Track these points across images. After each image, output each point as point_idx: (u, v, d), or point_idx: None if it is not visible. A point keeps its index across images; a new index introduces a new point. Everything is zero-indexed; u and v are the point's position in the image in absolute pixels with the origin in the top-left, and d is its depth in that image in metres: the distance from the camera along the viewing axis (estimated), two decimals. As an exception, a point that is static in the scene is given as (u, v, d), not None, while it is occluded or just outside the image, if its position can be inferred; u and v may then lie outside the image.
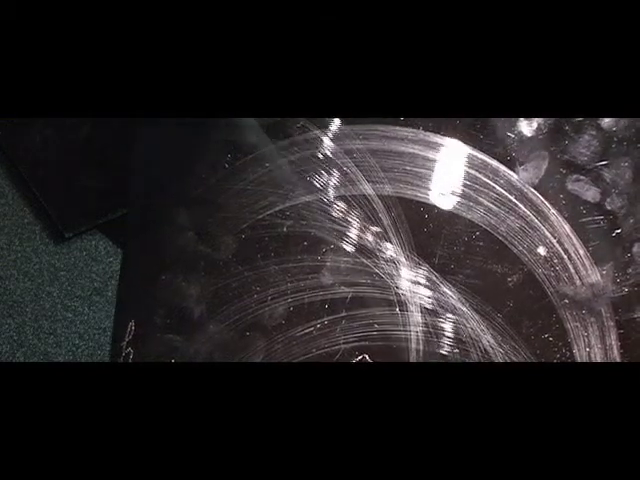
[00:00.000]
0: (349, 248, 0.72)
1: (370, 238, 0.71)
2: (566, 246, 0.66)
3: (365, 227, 0.71)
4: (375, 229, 0.70)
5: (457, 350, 0.68)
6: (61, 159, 1.24)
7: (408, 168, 0.71)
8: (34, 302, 1.33)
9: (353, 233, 0.72)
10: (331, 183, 0.73)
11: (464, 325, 0.68)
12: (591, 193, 0.65)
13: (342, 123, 0.73)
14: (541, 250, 0.66)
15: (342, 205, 0.73)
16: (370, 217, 0.71)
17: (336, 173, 0.73)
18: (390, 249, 0.70)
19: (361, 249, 0.72)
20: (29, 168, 1.26)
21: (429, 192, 0.70)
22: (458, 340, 0.68)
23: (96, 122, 1.13)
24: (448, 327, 0.68)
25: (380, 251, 0.71)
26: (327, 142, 0.73)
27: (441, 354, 0.68)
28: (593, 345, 0.64)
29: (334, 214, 0.73)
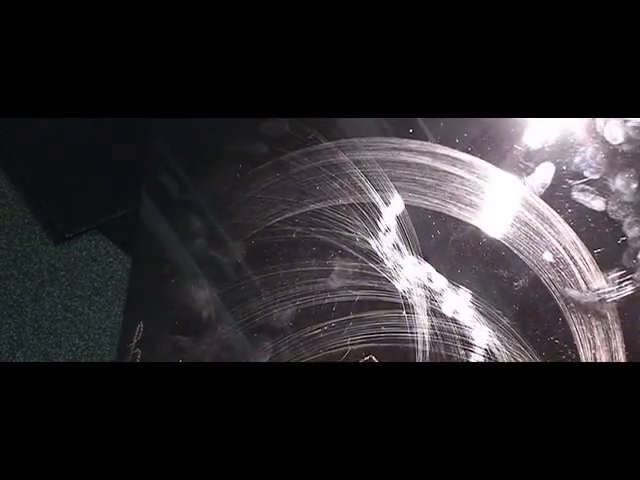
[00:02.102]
0: (357, 253, 0.73)
1: (369, 239, 0.72)
2: (572, 252, 0.67)
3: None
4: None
5: (463, 352, 0.68)
6: (61, 159, 1.23)
7: (416, 178, 0.71)
8: (34, 302, 1.34)
9: (361, 239, 0.73)
10: (340, 192, 0.74)
11: (471, 328, 0.68)
12: (596, 202, 0.66)
13: (351, 135, 0.74)
14: (547, 256, 0.67)
15: (351, 213, 0.73)
16: (378, 224, 0.72)
17: (345, 182, 0.74)
18: (396, 253, 0.71)
19: (368, 254, 0.73)
20: (29, 168, 1.25)
21: (437, 201, 0.71)
22: (464, 342, 0.69)
23: (96, 122, 1.12)
24: (454, 329, 0.69)
25: (384, 254, 0.71)
26: (337, 153, 0.74)
27: (447, 356, 0.69)
28: (599, 347, 0.65)
29: (343, 221, 0.74)
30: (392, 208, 0.72)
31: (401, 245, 0.72)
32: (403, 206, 0.72)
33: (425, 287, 0.70)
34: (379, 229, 0.73)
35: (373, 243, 0.73)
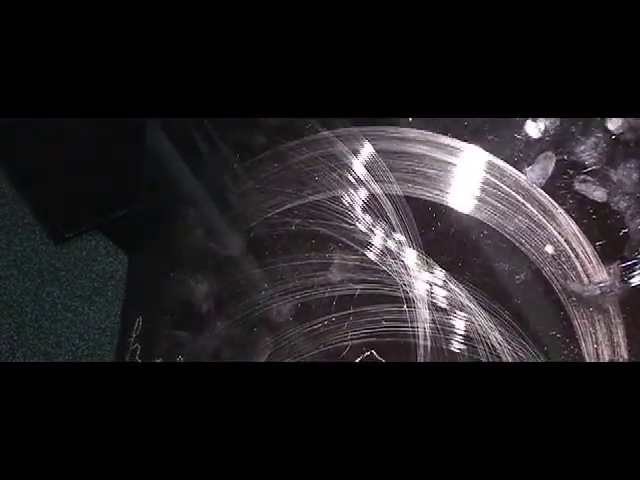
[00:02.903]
0: (357, 246, 0.72)
1: (369, 232, 0.71)
2: (573, 245, 0.66)
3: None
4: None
5: (465, 347, 0.68)
6: (61, 159, 1.24)
7: (416, 168, 0.71)
8: (34, 302, 1.33)
9: (361, 231, 0.72)
10: (340, 183, 0.73)
11: (472, 322, 0.68)
12: (598, 193, 0.66)
13: (351, 124, 0.74)
14: (548, 248, 0.67)
15: (351, 204, 0.73)
16: (378, 216, 0.72)
17: (344, 173, 0.73)
18: (396, 246, 0.71)
19: (368, 247, 0.72)
20: (29, 168, 1.26)
21: (437, 192, 0.71)
22: (466, 337, 0.68)
23: (96, 122, 1.13)
24: (456, 324, 0.68)
25: (384, 247, 0.71)
26: (336, 143, 0.74)
27: (449, 350, 0.68)
28: (601, 342, 0.65)
29: (342, 213, 0.73)
30: (392, 199, 0.72)
31: (401, 237, 0.71)
32: (403, 197, 0.72)
33: (426, 280, 0.70)
34: (379, 220, 0.72)
35: (373, 235, 0.72)
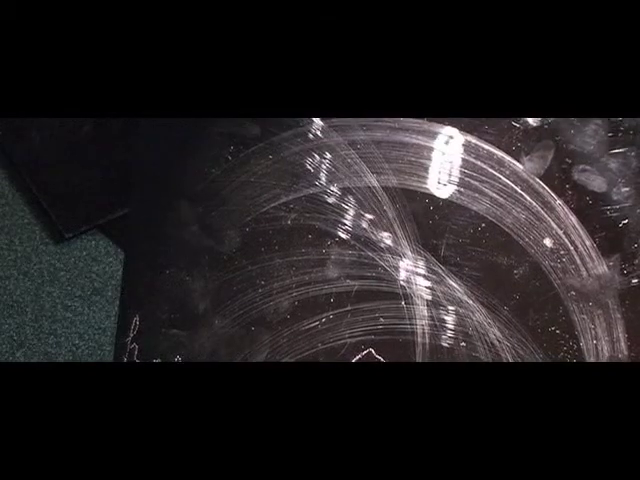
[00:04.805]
0: (354, 241, 0.72)
1: (365, 226, 0.71)
2: (572, 237, 0.66)
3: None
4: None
5: (463, 344, 0.68)
6: (61, 159, 1.24)
7: (413, 159, 0.70)
8: (34, 302, 1.33)
9: (358, 226, 0.72)
10: (335, 175, 0.73)
11: (470, 318, 0.68)
12: (597, 183, 0.65)
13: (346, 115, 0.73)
14: (547, 242, 0.66)
15: (347, 197, 0.72)
16: (374, 209, 0.71)
17: (340, 165, 0.73)
18: (394, 241, 0.70)
19: (365, 241, 0.72)
20: (29, 168, 1.26)
21: (434, 184, 0.70)
22: (464, 333, 0.68)
23: (96, 122, 1.13)
24: (454, 320, 0.68)
25: (381, 242, 0.71)
26: (331, 133, 0.73)
27: (447, 348, 0.68)
28: (600, 337, 0.64)
29: (338, 206, 0.73)
30: (388, 192, 0.71)
31: (398, 231, 0.71)
32: (399, 190, 0.71)
33: (424, 276, 0.69)
34: (375, 214, 0.72)
35: (369, 229, 0.72)
